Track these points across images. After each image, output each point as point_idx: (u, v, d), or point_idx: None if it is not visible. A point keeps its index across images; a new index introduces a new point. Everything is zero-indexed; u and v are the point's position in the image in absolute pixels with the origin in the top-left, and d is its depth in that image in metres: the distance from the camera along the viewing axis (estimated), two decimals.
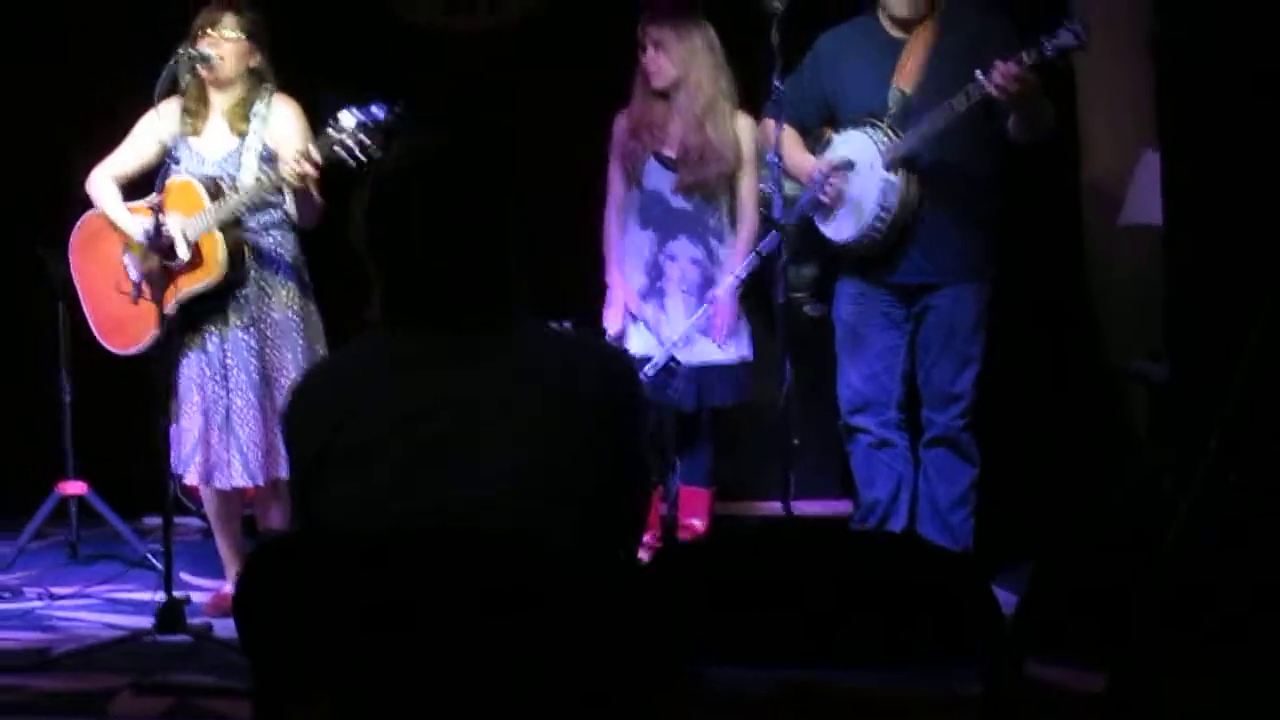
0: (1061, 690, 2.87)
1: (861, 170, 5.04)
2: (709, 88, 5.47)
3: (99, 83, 6.29)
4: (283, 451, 5.13)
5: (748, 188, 5.56)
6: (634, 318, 5.57)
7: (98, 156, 5.43)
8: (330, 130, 4.91)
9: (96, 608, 5.46)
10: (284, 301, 5.26)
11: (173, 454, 5.20)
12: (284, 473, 5.23)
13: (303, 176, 4.97)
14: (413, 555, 2.30)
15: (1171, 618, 1.98)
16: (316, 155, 4.93)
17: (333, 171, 5.04)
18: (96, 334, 5.45)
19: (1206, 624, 1.98)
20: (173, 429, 5.23)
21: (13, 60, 6.93)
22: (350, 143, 4.88)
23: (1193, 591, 1.99)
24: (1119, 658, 2.09)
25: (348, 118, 4.89)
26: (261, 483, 5.22)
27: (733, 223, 5.58)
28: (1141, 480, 4.78)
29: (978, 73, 4.74)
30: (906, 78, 5.05)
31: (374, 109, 4.87)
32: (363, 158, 4.86)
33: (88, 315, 5.48)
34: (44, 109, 6.82)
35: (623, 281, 5.61)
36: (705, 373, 5.50)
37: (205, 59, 5.12)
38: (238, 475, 5.21)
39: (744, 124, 5.52)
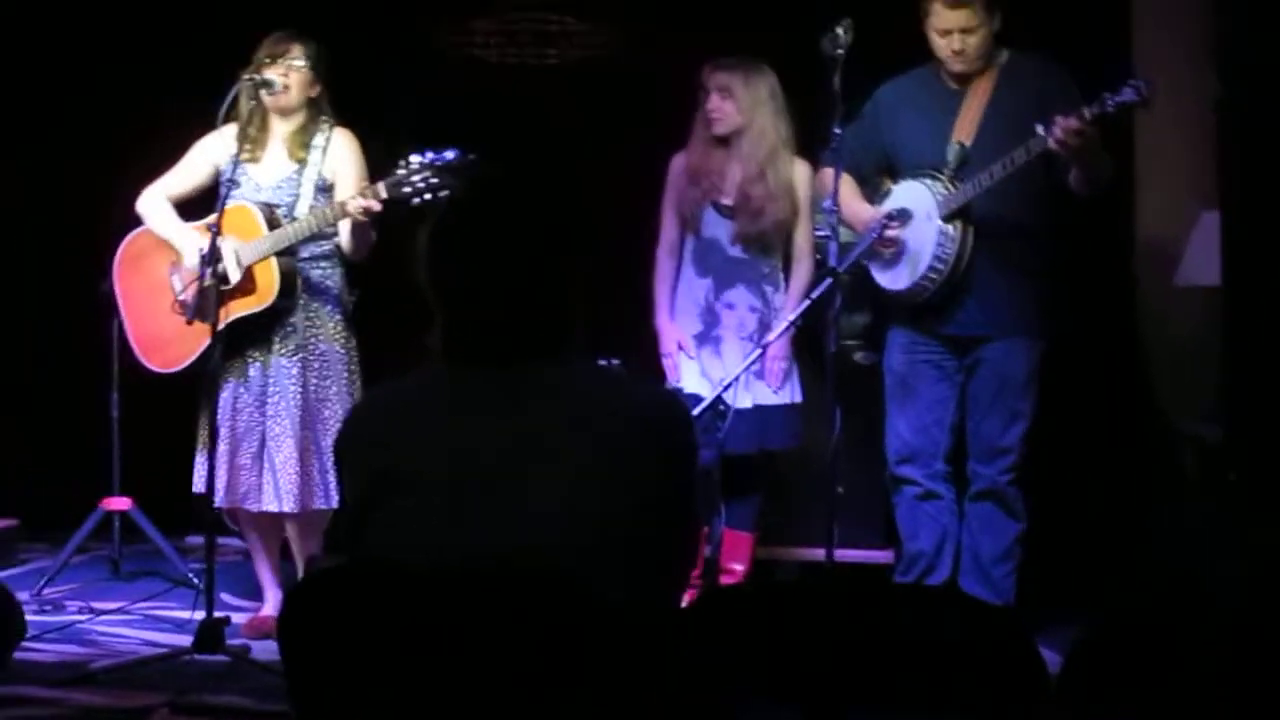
0: None
1: (918, 221, 5.04)
2: (771, 135, 5.48)
3: (154, 110, 6.33)
4: (319, 483, 5.17)
5: (804, 235, 5.56)
6: (686, 355, 5.57)
7: (148, 179, 5.47)
8: (400, 170, 4.94)
9: (137, 624, 5.49)
10: (330, 333, 5.29)
11: (196, 476, 5.23)
12: (320, 504, 5.25)
13: (366, 211, 4.99)
14: (459, 592, 2.30)
15: (1224, 676, 1.97)
16: (384, 193, 4.96)
17: (388, 208, 5.07)
18: (136, 351, 5.47)
19: (1262, 681, 1.97)
20: (199, 454, 5.25)
21: (71, 91, 7.02)
22: (419, 183, 4.91)
23: (1249, 647, 1.98)
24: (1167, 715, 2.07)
25: (418, 159, 4.92)
26: (294, 509, 5.22)
27: (787, 270, 5.58)
28: (1188, 534, 4.76)
29: (1039, 127, 4.73)
30: (965, 130, 5.05)
31: (447, 152, 4.90)
32: (429, 198, 4.88)
33: (128, 332, 5.52)
34: (99, 136, 6.90)
35: (671, 324, 5.61)
36: (764, 415, 5.50)
37: (270, 85, 5.17)
38: (269, 500, 5.22)
39: (801, 171, 5.53)
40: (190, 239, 5.28)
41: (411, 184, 4.92)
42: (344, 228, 5.22)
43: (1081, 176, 4.92)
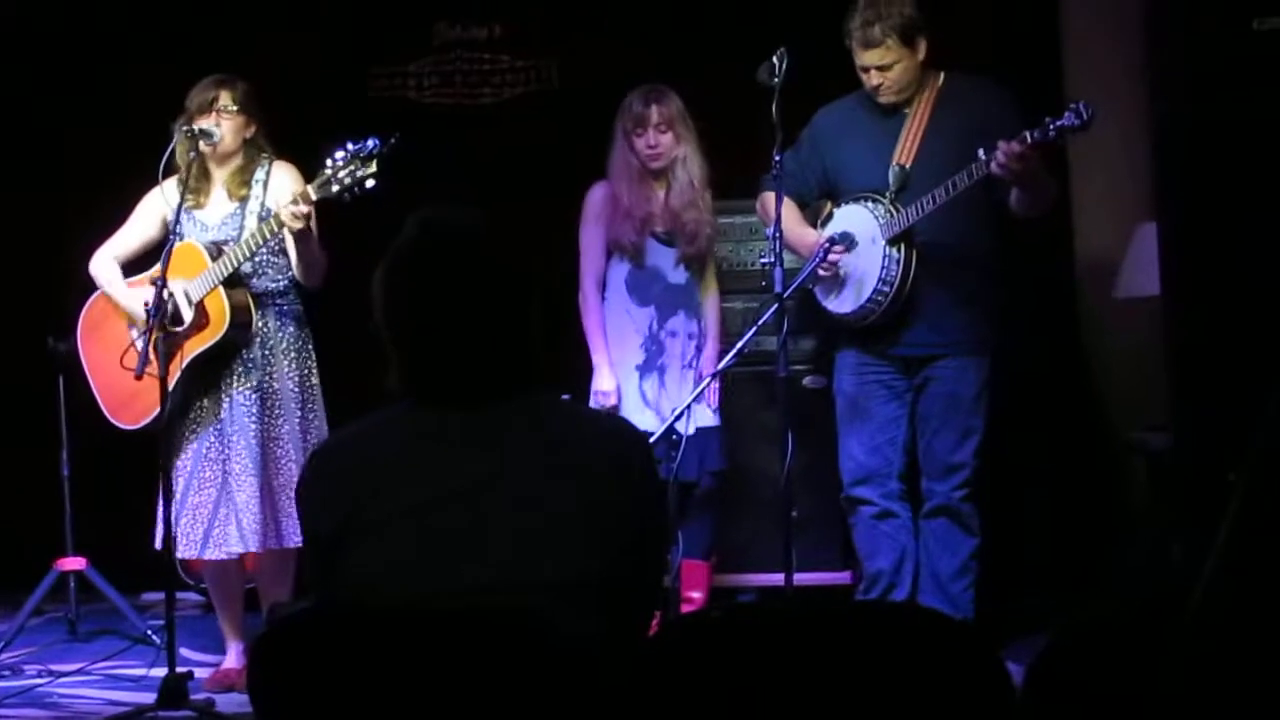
0: None
1: (863, 244, 5.08)
2: (700, 157, 5.53)
3: (98, 167, 6.32)
4: (282, 522, 5.16)
5: (712, 257, 5.69)
6: (622, 392, 5.58)
7: (98, 234, 5.46)
8: (326, 169, 4.93)
9: (98, 684, 5.44)
10: (286, 370, 5.28)
11: (160, 529, 5.18)
12: (285, 543, 5.23)
13: (302, 218, 4.97)
14: (430, 633, 2.29)
15: (1196, 686, 1.99)
16: (314, 194, 4.95)
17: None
18: (106, 413, 5.43)
19: (1233, 692, 1.99)
20: (174, 507, 5.22)
21: (13, 148, 7.00)
22: (345, 178, 4.89)
23: (1217, 660, 2.00)
24: None
25: (340, 153, 4.92)
26: (257, 549, 5.19)
27: None
28: (1149, 551, 4.81)
29: (980, 151, 4.79)
30: (905, 153, 5.11)
31: (368, 141, 4.89)
32: (359, 191, 4.88)
33: (97, 395, 5.47)
34: (45, 193, 6.88)
35: (610, 361, 5.61)
36: (704, 438, 5.53)
37: (208, 135, 5.18)
38: (234, 542, 5.19)
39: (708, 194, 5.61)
40: (136, 298, 5.26)
41: (339, 180, 4.90)
42: (292, 251, 5.22)
43: (1023, 199, 4.97)
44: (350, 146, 4.91)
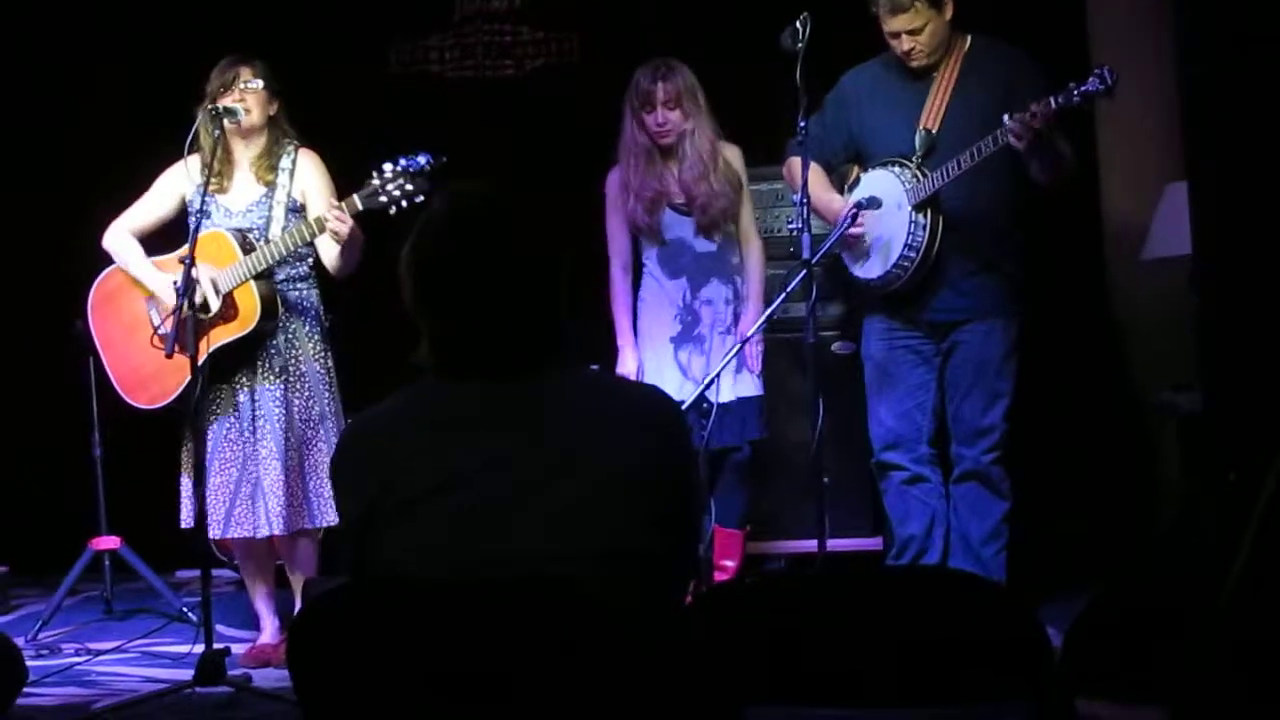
0: None
1: (889, 209, 5.07)
2: (709, 130, 5.51)
3: (122, 147, 6.33)
4: (312, 503, 5.17)
5: (748, 216, 5.63)
6: (657, 364, 5.58)
7: (114, 214, 5.46)
8: (374, 180, 4.93)
9: (135, 662, 5.47)
10: (311, 353, 5.29)
11: (184, 511, 5.23)
12: (316, 523, 5.25)
13: (339, 231, 4.98)
14: (466, 606, 2.29)
15: (1237, 653, 1.99)
16: (360, 205, 4.96)
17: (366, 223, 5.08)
18: (119, 390, 5.43)
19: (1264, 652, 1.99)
20: (185, 487, 5.25)
21: (38, 129, 7.02)
22: (394, 190, 4.90)
23: (1256, 625, 1.99)
24: (1180, 694, 2.09)
25: (390, 167, 4.92)
26: (281, 532, 5.20)
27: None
28: (1184, 517, 4.79)
29: (1005, 116, 4.77)
30: (931, 117, 5.09)
31: (419, 158, 4.89)
32: (404, 205, 4.88)
33: (109, 372, 5.47)
34: (63, 171, 6.91)
35: (633, 344, 5.62)
36: (744, 407, 5.53)
37: (233, 113, 5.16)
38: (262, 524, 5.21)
39: (732, 154, 5.58)
40: (161, 277, 5.28)
41: (386, 193, 4.91)
42: (325, 246, 5.22)
43: (1038, 168, 4.96)
44: (402, 162, 4.91)
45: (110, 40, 7.05)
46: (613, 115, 5.79)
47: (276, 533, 5.22)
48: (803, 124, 4.88)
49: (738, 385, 5.49)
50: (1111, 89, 4.64)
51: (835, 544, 5.44)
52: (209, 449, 5.22)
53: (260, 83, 5.24)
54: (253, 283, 5.15)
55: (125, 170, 5.62)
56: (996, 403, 5.17)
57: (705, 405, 5.03)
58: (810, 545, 5.20)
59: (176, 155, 5.23)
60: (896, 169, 5.09)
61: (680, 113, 5.47)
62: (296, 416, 5.25)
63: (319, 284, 5.39)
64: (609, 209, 5.64)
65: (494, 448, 2.45)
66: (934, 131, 5.07)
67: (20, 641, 5.59)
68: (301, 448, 5.26)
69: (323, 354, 5.33)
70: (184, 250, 5.04)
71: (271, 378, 5.23)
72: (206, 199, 5.19)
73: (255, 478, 5.22)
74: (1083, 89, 4.67)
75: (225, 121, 5.16)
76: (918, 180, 5.03)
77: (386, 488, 2.47)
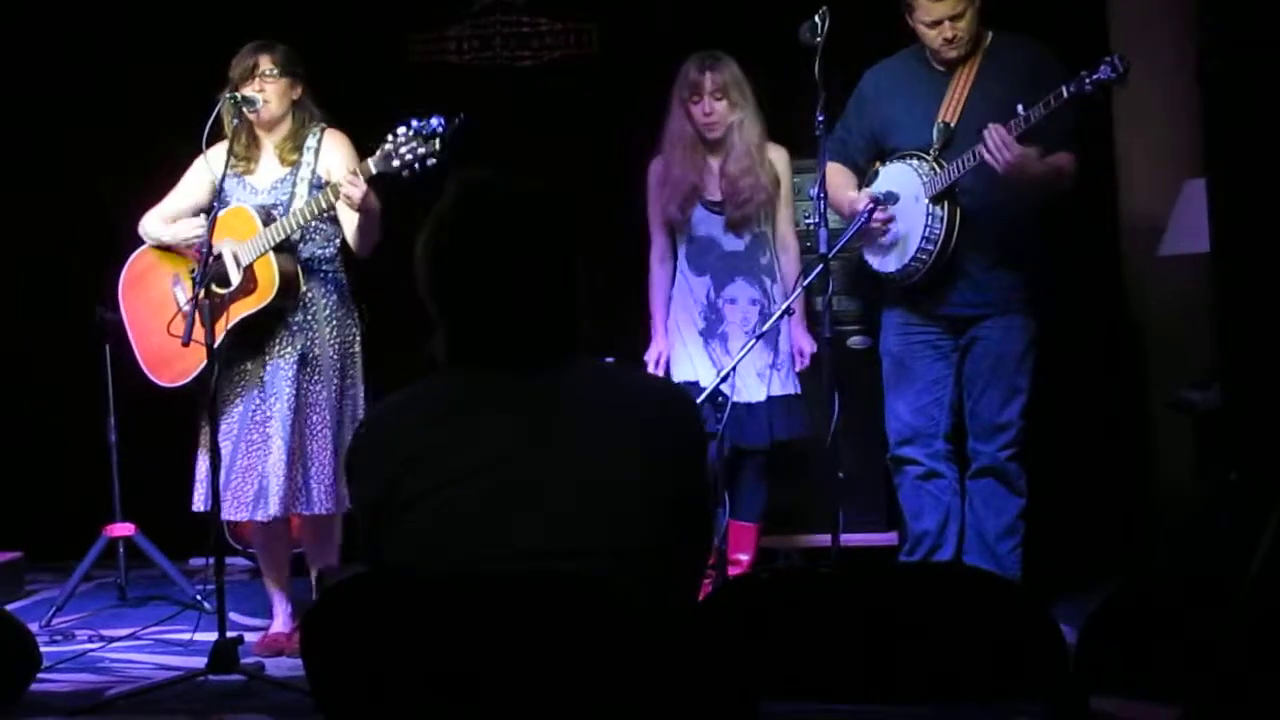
0: None
1: (906, 202, 5.05)
2: (757, 124, 5.50)
3: (148, 138, 6.32)
4: (312, 489, 5.16)
5: (786, 218, 5.61)
6: (689, 355, 5.58)
7: (139, 207, 5.47)
8: (387, 144, 4.89)
9: (148, 649, 5.48)
10: (328, 337, 5.27)
11: (197, 495, 5.23)
12: (314, 509, 5.24)
13: (360, 193, 4.95)
14: (480, 599, 2.29)
15: (1257, 648, 1.98)
16: (374, 169, 4.92)
17: (389, 203, 5.07)
18: (145, 369, 5.41)
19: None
20: (200, 464, 5.24)
21: (67, 123, 7.03)
22: (406, 154, 4.85)
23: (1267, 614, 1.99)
24: (1200, 690, 2.08)
25: (403, 129, 4.88)
26: (279, 513, 5.18)
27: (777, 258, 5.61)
28: (1199, 515, 4.78)
29: (1019, 107, 4.76)
30: (950, 110, 5.07)
31: (431, 119, 4.84)
32: (418, 169, 4.84)
33: (135, 351, 5.45)
34: (90, 163, 6.91)
35: (665, 332, 5.63)
36: (773, 407, 5.52)
37: (251, 103, 5.15)
38: (274, 505, 5.19)
39: (777, 155, 5.56)
40: (187, 224, 5.30)
41: (400, 156, 4.86)
42: (347, 220, 5.20)
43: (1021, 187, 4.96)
44: (414, 124, 4.85)
45: (147, 35, 7.05)
46: (631, 106, 5.80)
47: (275, 514, 5.19)
48: (820, 118, 4.88)
49: (770, 385, 5.48)
50: (1124, 76, 4.63)
51: (849, 539, 5.43)
52: (235, 431, 5.22)
53: (277, 70, 5.22)
54: (272, 255, 5.13)
55: (151, 162, 5.62)
56: (1014, 399, 5.15)
57: (720, 399, 5.02)
58: (825, 540, 5.20)
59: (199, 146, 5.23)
60: (914, 162, 5.08)
61: (727, 103, 5.47)
62: (303, 398, 5.23)
63: (349, 267, 5.36)
64: (650, 198, 5.65)
65: (507, 439, 2.45)
66: (952, 124, 5.05)
67: (34, 627, 5.62)
68: (305, 430, 5.23)
69: (340, 339, 5.30)
70: (204, 220, 5.03)
71: (288, 355, 5.21)
72: (233, 178, 5.19)
73: (266, 458, 5.20)
74: (1094, 77, 4.65)
75: (245, 110, 5.16)
76: (935, 172, 5.02)
77: (400, 478, 2.46)
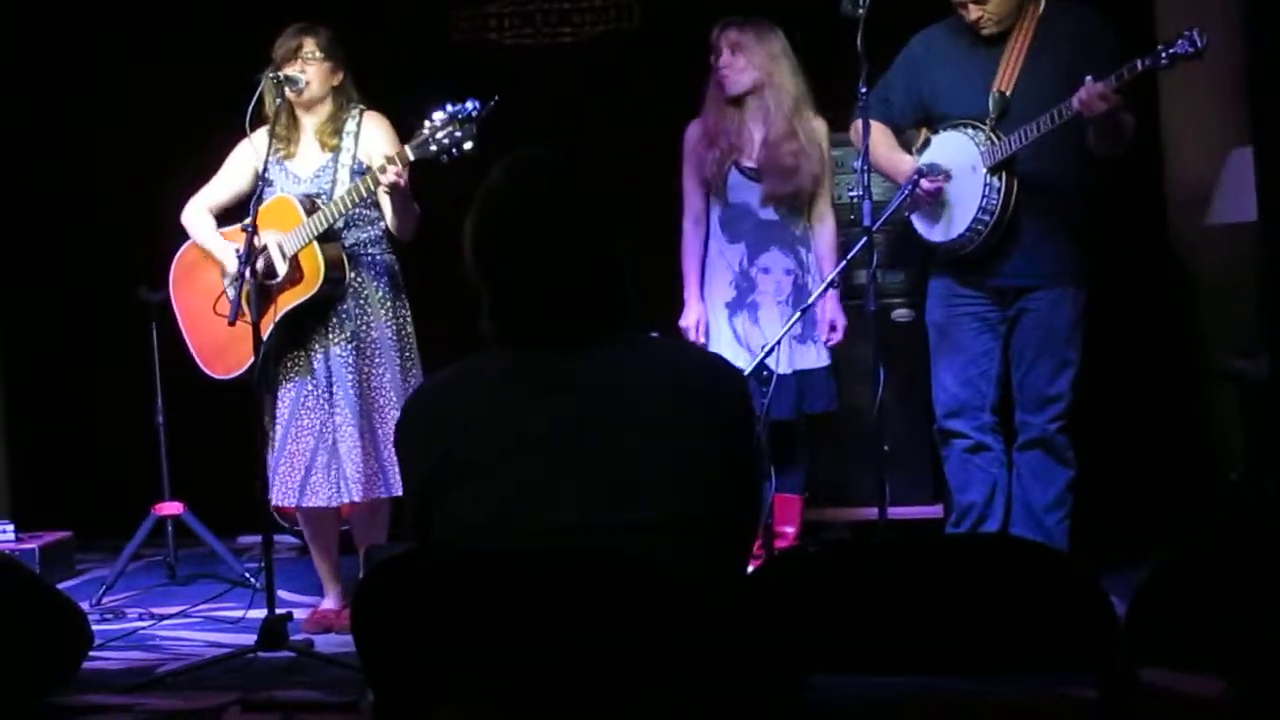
0: (1177, 695, 2.85)
1: (962, 172, 5.01)
2: (793, 89, 5.48)
3: (191, 121, 6.33)
4: (387, 470, 5.17)
5: (825, 193, 5.60)
6: (714, 327, 5.57)
7: (190, 189, 5.48)
8: (424, 130, 4.89)
9: (198, 626, 5.52)
10: (382, 319, 5.28)
11: (270, 478, 5.23)
12: (381, 492, 5.26)
13: (399, 178, 4.95)
14: (529, 574, 2.30)
15: None
16: (411, 155, 4.92)
17: (430, 184, 5.07)
18: (199, 362, 5.43)
19: None
20: (271, 455, 5.26)
21: (104, 100, 7.06)
22: (444, 139, 4.85)
23: None
24: (1249, 661, 2.07)
25: (440, 114, 4.87)
26: (359, 498, 5.21)
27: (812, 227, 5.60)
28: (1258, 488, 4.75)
29: (1088, 78, 4.70)
30: (1005, 80, 5.00)
31: (466, 103, 4.84)
32: (455, 154, 4.84)
33: (190, 345, 5.47)
34: (133, 144, 6.94)
35: (700, 297, 5.61)
36: (802, 380, 5.51)
37: (294, 82, 5.16)
38: (341, 492, 5.21)
39: (823, 128, 5.54)
40: (226, 245, 5.30)
41: (437, 141, 4.86)
42: (387, 205, 5.22)
43: (1099, 138, 4.90)
44: (449, 108, 4.84)
45: (171, 12, 7.07)
46: (673, 82, 5.77)
47: (356, 499, 5.22)
48: (863, 90, 4.86)
49: (797, 358, 5.47)
50: (1202, 51, 4.55)
51: (896, 511, 5.42)
52: (286, 416, 5.24)
53: (320, 54, 5.23)
54: (316, 244, 5.14)
55: (195, 142, 5.63)
56: (1064, 371, 5.11)
57: (765, 373, 5.00)
58: (871, 513, 5.20)
59: (241, 130, 5.24)
60: (970, 130, 5.02)
61: (745, 60, 5.46)
62: (366, 383, 5.25)
63: (395, 249, 5.36)
64: (685, 161, 5.64)
65: (556, 415, 2.46)
66: (1008, 94, 4.99)
67: (85, 606, 5.67)
68: (374, 414, 5.25)
69: (394, 320, 5.31)
70: (247, 220, 5.05)
71: (343, 342, 5.23)
72: (275, 165, 5.20)
73: (332, 445, 5.22)
74: (1171, 50, 4.58)
75: (286, 90, 5.18)
76: (993, 143, 4.97)
77: (449, 454, 2.48)
